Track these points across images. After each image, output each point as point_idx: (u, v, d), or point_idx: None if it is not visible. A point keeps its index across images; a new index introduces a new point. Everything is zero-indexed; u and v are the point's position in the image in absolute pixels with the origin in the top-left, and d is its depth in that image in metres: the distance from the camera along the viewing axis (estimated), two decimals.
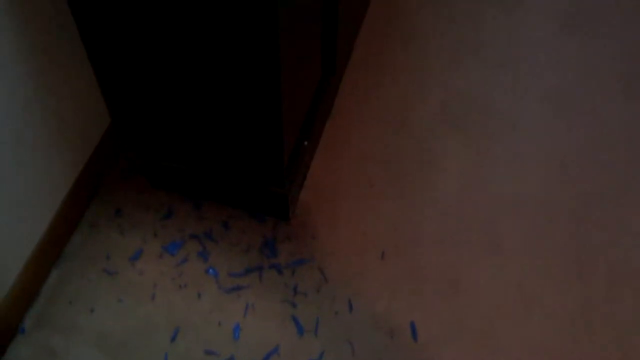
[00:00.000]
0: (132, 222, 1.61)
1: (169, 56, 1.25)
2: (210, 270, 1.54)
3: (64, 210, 1.53)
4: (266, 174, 1.47)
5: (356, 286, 1.53)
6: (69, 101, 1.46)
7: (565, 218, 1.63)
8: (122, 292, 1.51)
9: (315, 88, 1.64)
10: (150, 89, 1.37)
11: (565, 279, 1.53)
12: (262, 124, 1.33)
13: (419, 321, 1.48)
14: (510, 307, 1.50)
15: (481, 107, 1.83)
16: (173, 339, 1.45)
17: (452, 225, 1.62)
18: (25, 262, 1.44)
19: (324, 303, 1.50)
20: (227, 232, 1.61)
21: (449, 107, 1.82)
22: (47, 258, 1.51)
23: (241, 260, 1.56)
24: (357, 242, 1.59)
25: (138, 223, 1.61)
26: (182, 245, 1.58)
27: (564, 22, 2.00)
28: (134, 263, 1.55)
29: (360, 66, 1.90)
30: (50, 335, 1.45)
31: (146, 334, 1.46)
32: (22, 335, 1.45)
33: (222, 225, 1.61)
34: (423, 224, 1.62)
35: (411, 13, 2.03)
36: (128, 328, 1.46)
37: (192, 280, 1.53)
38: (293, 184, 1.55)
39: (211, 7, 1.11)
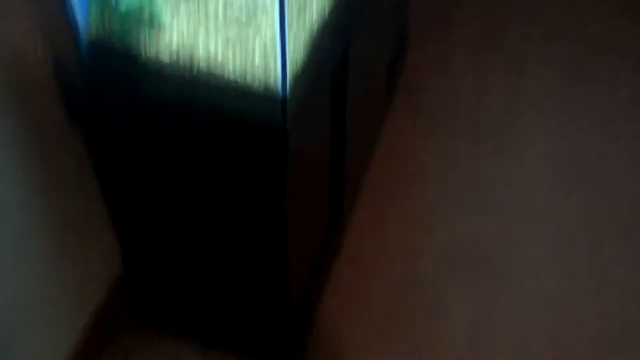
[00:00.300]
0: None
1: (180, 212, 1.32)
2: None
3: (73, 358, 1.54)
4: (274, 324, 1.49)
5: None
6: (82, 249, 1.51)
7: None
8: None
9: (323, 233, 1.69)
10: (164, 244, 1.42)
11: None
12: (269, 281, 1.37)
13: None
14: None
15: (484, 252, 1.86)
16: None
17: None
18: None
19: None
20: None
21: (454, 251, 1.86)
22: None
23: None
24: None
25: None
26: None
27: (563, 168, 2.07)
28: None
29: (367, 208, 1.96)
30: None
31: None
32: None
33: None
34: None
35: (415, 158, 2.10)
36: None
37: None
38: (302, 330, 1.57)
39: (219, 160, 1.18)
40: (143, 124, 1.17)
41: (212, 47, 1.09)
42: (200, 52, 1.09)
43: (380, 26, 1.79)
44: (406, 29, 2.24)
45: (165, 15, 1.10)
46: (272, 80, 1.07)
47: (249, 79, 1.08)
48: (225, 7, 1.11)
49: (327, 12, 1.23)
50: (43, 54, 1.17)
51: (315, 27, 1.18)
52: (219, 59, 1.09)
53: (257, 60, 1.09)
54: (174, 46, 1.09)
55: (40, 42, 1.14)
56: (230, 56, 1.09)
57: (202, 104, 1.10)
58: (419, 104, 2.23)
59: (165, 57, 1.09)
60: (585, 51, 2.38)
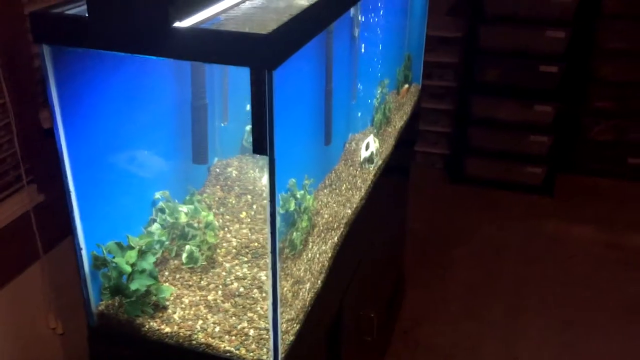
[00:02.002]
0: None
1: None
2: None
3: None
4: None
5: None
6: None
7: None
8: None
9: None
10: None
11: None
12: None
13: None
14: None
15: None
16: None
17: None
18: None
19: None
20: None
21: None
22: None
23: None
24: None
25: None
26: None
27: None
28: None
29: None
30: None
31: None
32: None
33: None
34: None
35: None
36: None
37: None
38: None
39: None
40: None
41: (209, 321, 1.19)
42: (199, 325, 1.18)
43: (375, 276, 1.90)
44: (402, 275, 2.36)
45: (168, 297, 1.22)
46: (264, 352, 1.14)
47: (242, 351, 1.15)
48: (223, 294, 1.23)
49: (320, 280, 1.33)
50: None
51: (308, 296, 1.28)
52: (216, 330, 1.18)
53: (251, 332, 1.18)
54: (175, 321, 1.19)
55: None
56: (226, 328, 1.18)
57: None
58: (417, 343, 2.27)
59: (166, 331, 1.18)
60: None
